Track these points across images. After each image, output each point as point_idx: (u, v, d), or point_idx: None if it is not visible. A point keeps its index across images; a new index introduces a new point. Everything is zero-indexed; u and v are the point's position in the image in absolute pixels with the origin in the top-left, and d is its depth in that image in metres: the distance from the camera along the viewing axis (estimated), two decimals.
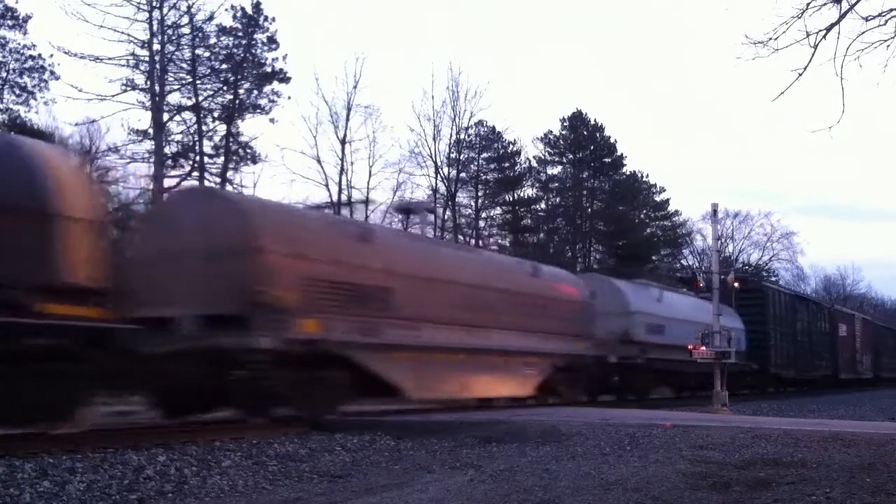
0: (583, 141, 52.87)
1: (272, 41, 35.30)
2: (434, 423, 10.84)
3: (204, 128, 34.41)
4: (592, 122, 53.34)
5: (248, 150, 35.43)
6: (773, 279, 55.09)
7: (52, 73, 32.14)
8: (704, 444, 8.74)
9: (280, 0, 66.49)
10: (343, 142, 36.94)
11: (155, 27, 31.23)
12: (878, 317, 63.45)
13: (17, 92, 32.35)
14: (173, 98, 33.46)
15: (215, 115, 34.93)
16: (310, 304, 10.71)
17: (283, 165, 54.23)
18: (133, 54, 31.32)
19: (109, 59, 30.79)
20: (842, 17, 8.77)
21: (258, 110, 35.45)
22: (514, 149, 48.49)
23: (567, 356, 16.46)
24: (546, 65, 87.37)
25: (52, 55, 31.75)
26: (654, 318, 22.28)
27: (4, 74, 32.33)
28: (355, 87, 36.67)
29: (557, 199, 52.72)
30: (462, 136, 43.02)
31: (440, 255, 14.78)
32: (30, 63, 32.28)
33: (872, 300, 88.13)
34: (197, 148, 34.42)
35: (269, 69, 35.19)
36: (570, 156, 52.96)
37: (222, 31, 34.29)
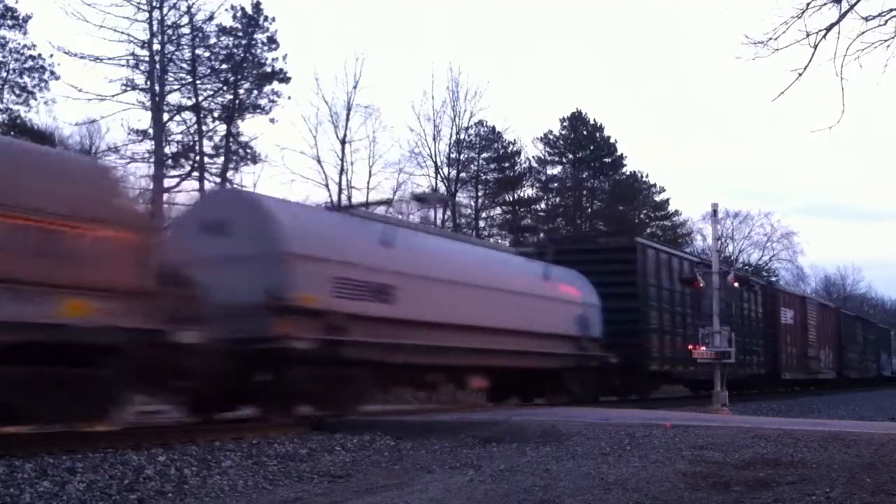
0: (583, 141, 52.89)
1: (272, 41, 35.32)
2: (434, 423, 10.84)
3: (204, 128, 34.43)
4: (592, 122, 53.38)
5: (248, 150, 35.47)
6: (774, 279, 55.02)
7: (52, 73, 32.18)
8: (704, 444, 8.74)
9: (280, 0, 66.52)
10: (343, 142, 36.97)
11: (155, 27, 31.26)
12: (845, 305, 56.31)
13: (17, 92, 32.38)
14: (173, 98, 33.51)
15: (215, 115, 34.95)
16: None
17: (283, 165, 54.20)
18: (133, 54, 31.38)
19: (109, 59, 30.85)
20: (842, 17, 8.80)
21: (258, 110, 35.47)
22: (514, 149, 48.53)
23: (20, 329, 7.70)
24: (546, 65, 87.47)
25: (52, 55, 31.79)
26: (363, 271, 12.01)
27: (4, 74, 32.35)
28: (355, 87, 36.69)
29: (557, 199, 52.77)
30: (462, 136, 43.07)
31: None
32: (30, 63, 32.30)
33: (872, 300, 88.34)
34: (197, 148, 34.44)
35: (269, 69, 35.20)
36: (570, 156, 52.98)
37: (222, 31, 34.32)
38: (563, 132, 53.03)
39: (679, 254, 24.27)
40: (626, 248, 20.98)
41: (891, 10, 8.67)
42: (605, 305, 17.93)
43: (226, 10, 34.68)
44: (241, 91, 35.31)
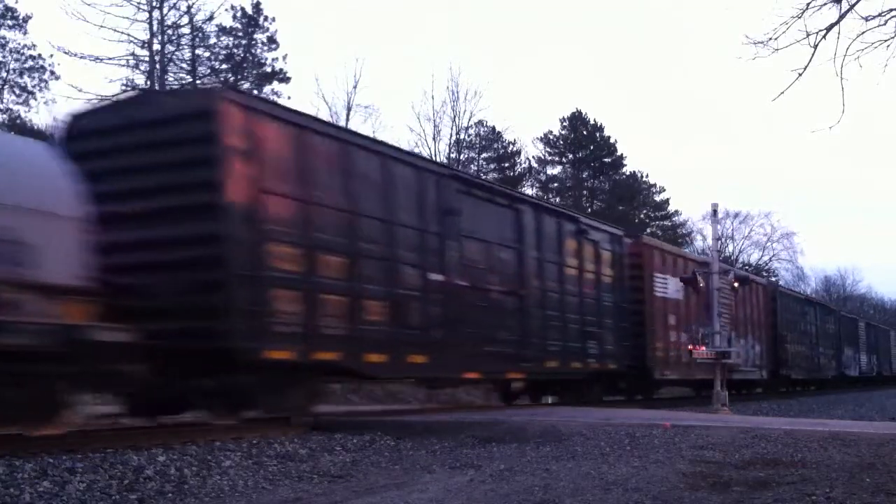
0: (583, 141, 52.92)
1: (272, 41, 35.30)
2: (434, 423, 10.84)
3: None
4: (592, 122, 53.40)
5: None
6: (774, 279, 54.97)
7: (52, 73, 32.16)
8: (704, 444, 8.74)
9: (280, 0, 66.52)
10: None
11: (155, 27, 31.24)
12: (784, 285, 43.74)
13: (17, 92, 32.36)
14: None
15: None
16: None
17: None
18: (133, 54, 31.35)
19: (109, 59, 30.81)
20: (842, 17, 8.80)
21: None
22: (514, 149, 48.54)
23: None
24: (546, 65, 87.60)
25: (52, 55, 31.76)
26: None
27: (4, 74, 32.33)
28: (355, 88, 36.66)
29: (557, 199, 52.80)
30: (462, 136, 43.02)
31: None
32: (30, 63, 32.28)
33: (872, 300, 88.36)
34: None
35: (269, 69, 35.18)
36: (570, 156, 53.03)
37: (222, 31, 34.29)
38: (563, 132, 53.07)
39: (414, 159, 13.30)
40: (194, 114, 9.52)
41: (891, 10, 8.68)
42: (163, 233, 9.25)
43: (226, 10, 34.71)
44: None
